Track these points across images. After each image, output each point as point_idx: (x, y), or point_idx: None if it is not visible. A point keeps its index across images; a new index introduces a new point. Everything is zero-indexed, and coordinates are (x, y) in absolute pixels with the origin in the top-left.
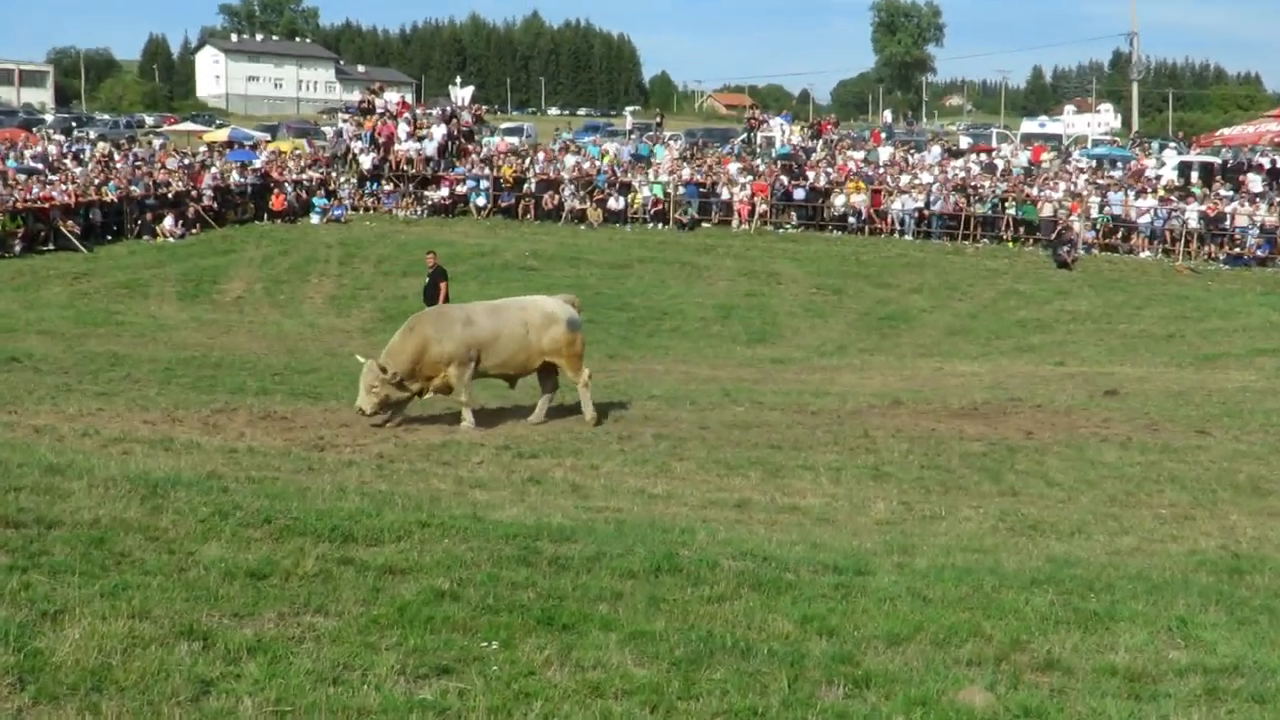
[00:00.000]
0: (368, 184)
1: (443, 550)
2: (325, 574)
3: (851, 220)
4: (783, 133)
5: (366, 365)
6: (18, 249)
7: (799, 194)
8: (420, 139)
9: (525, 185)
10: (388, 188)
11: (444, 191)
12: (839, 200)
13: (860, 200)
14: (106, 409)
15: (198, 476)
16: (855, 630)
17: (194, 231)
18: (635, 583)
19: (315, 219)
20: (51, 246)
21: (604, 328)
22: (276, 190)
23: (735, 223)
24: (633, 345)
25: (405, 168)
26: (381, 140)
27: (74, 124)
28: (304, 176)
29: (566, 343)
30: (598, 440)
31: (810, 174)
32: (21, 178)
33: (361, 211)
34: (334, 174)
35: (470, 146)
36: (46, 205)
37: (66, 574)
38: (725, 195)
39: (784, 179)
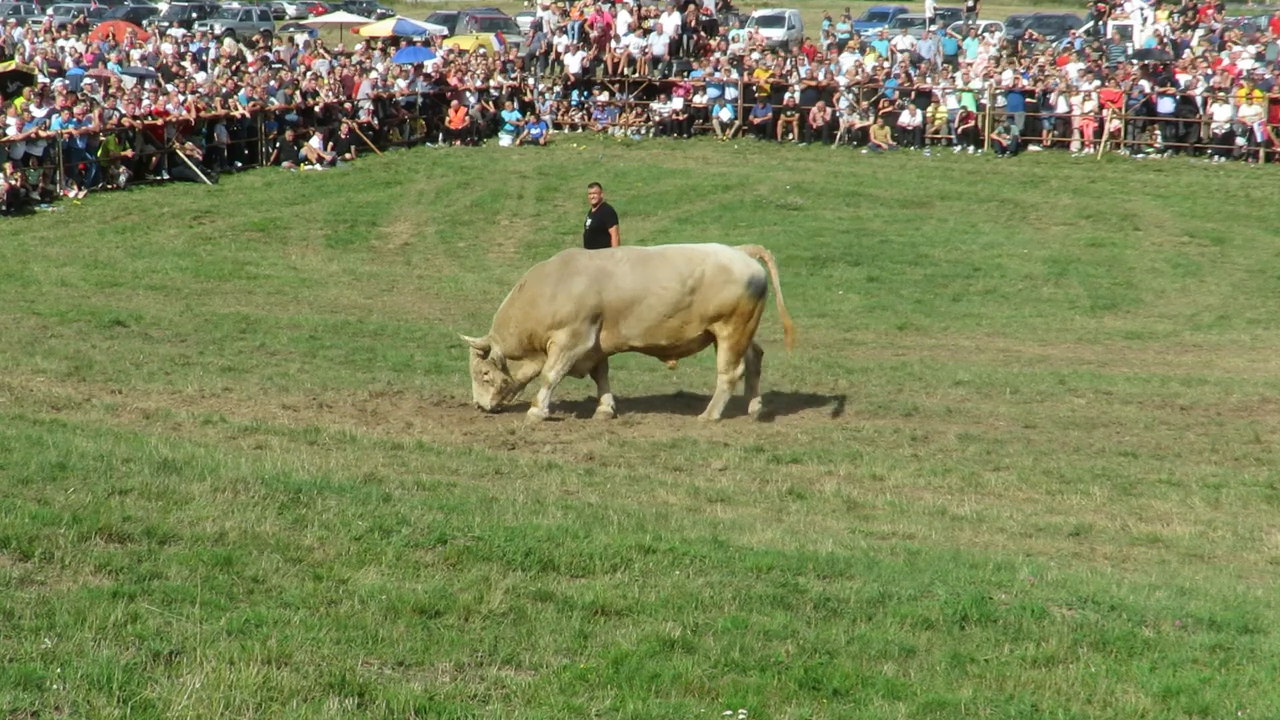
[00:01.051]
0: (575, 93)
1: (672, 585)
2: (517, 613)
3: (1240, 142)
4: (1143, 20)
5: (469, 346)
6: (123, 179)
7: (1165, 105)
8: (646, 33)
9: (786, 95)
10: (602, 98)
11: (677, 103)
12: (1222, 114)
13: (1252, 114)
14: (235, 389)
15: (352, 480)
16: (1239, 710)
17: (348, 157)
18: (933, 636)
19: (506, 140)
20: (166, 176)
21: (891, 289)
22: (456, 103)
23: (1076, 145)
24: (931, 312)
25: (625, 72)
26: (594, 35)
27: (194, 15)
28: (492, 84)
29: (742, 313)
30: (882, 441)
31: (1181, 78)
32: (128, 86)
33: (567, 130)
34: (531, 80)
35: (713, 43)
36: (159, 123)
37: (184, 604)
38: (1062, 107)
39: (1144, 85)
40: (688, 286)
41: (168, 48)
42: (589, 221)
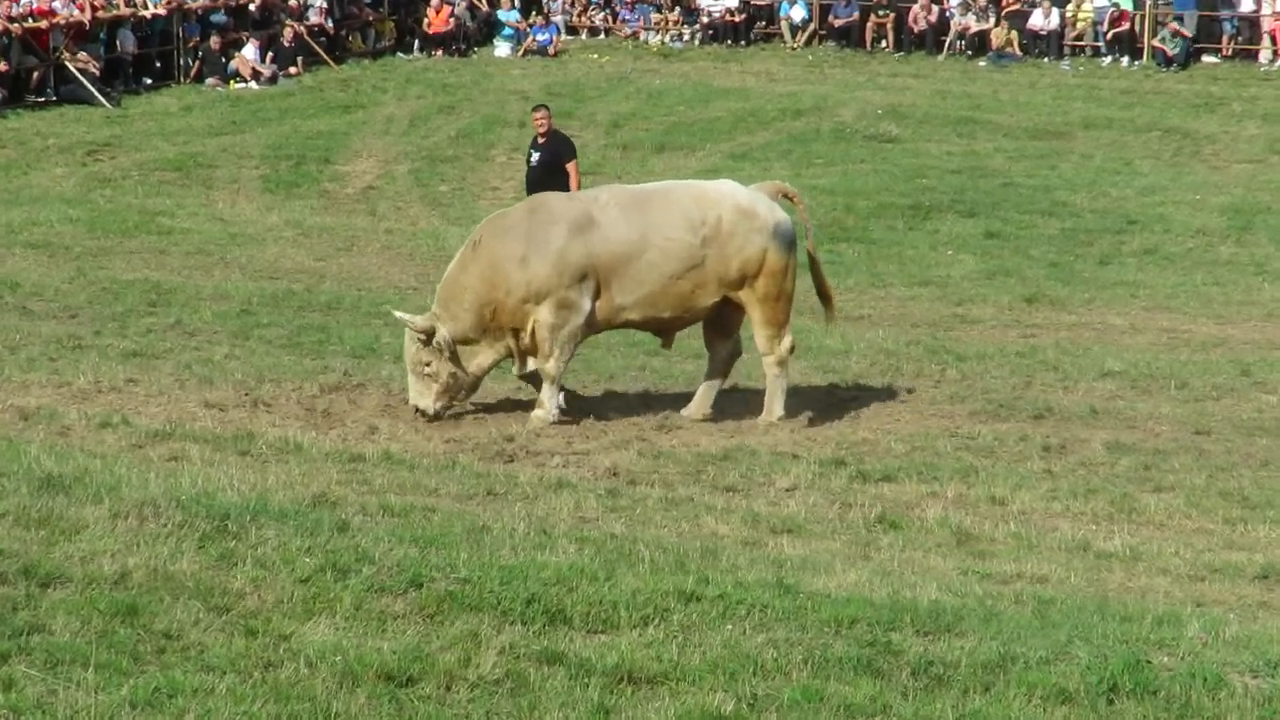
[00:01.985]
0: None
1: (722, 644)
2: (516, 680)
3: None
4: None
5: (405, 327)
6: None
7: None
8: None
9: None
10: None
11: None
12: None
13: None
14: (142, 381)
15: (297, 504)
16: None
17: (293, 71)
18: (1071, 712)
19: (503, 49)
20: (52, 97)
21: (1017, 248)
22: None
23: (1266, 55)
24: (1070, 278)
25: None
26: None
27: None
28: None
29: (771, 270)
30: (1004, 452)
31: None
32: None
33: (584, 36)
34: None
35: None
36: (43, 25)
37: (74, 666)
38: (1247, 5)
39: None
40: (699, 236)
41: None
42: (534, 157)
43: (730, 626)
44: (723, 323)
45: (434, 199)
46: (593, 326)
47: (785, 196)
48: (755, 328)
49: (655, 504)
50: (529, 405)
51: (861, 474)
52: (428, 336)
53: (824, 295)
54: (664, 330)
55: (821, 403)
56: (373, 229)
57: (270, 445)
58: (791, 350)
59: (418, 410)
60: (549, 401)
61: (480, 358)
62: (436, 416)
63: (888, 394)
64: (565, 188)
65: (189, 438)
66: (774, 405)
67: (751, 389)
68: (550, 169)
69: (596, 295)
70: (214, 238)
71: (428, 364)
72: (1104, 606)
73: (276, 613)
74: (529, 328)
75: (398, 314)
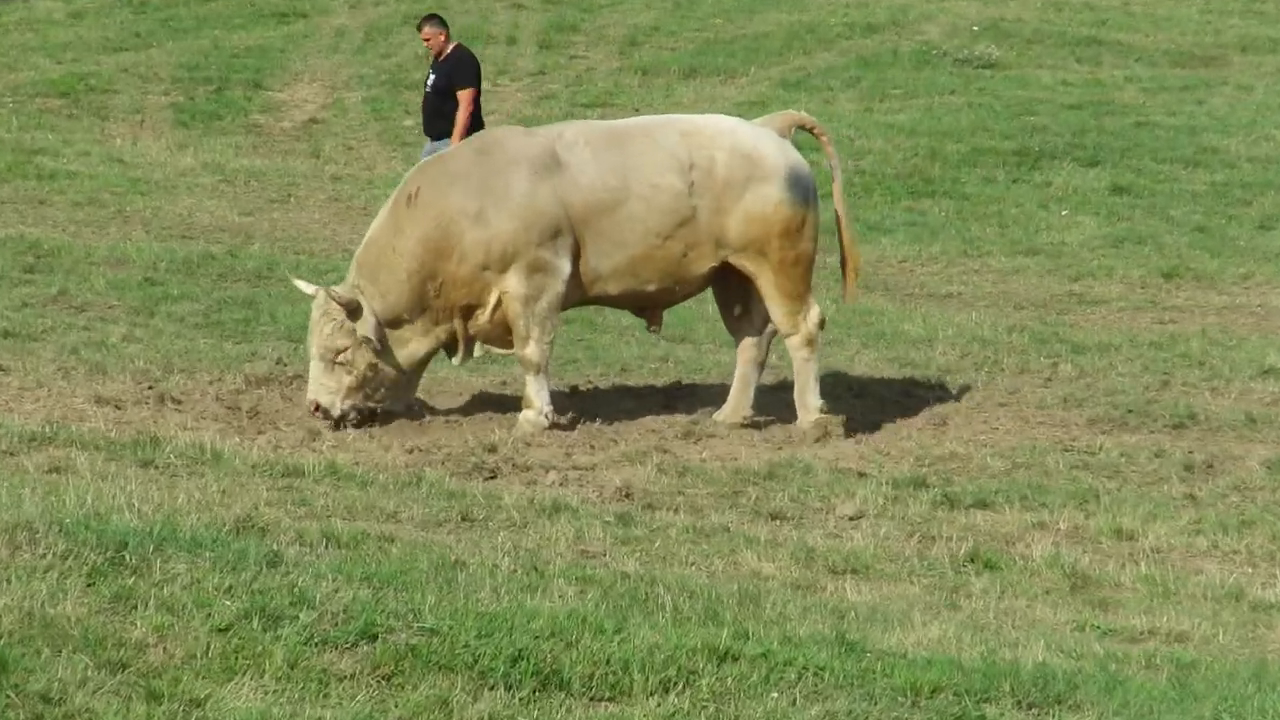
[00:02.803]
0: None
1: (765, 716)
2: None
3: None
4: None
5: (314, 301)
6: None
7: None
8: None
9: None
10: None
11: None
12: None
13: None
14: (13, 370)
15: (216, 530)
16: None
17: None
18: None
19: None
20: None
21: (1152, 206)
22: None
23: None
24: (1221, 248)
25: None
26: None
27: None
28: None
29: (783, 228)
30: (1133, 471)
31: None
32: None
33: None
34: None
35: None
36: None
37: None
38: None
39: None
40: (688, 182)
41: None
42: (430, 80)
43: (776, 695)
44: (737, 296)
45: (395, 136)
46: (568, 306)
47: (806, 131)
48: (770, 303)
49: (680, 535)
50: (516, 404)
51: (948, 498)
52: (350, 314)
53: (846, 261)
54: (648, 307)
55: (897, 405)
56: (316, 174)
57: (180, 454)
58: (822, 324)
59: (317, 408)
60: (538, 398)
61: (412, 346)
62: (342, 420)
63: (982, 395)
64: (452, 114)
65: (75, 443)
66: (808, 397)
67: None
68: (446, 96)
69: (575, 257)
70: (110, 184)
71: (342, 350)
72: (1261, 673)
73: (187, 671)
74: (489, 304)
75: (299, 283)
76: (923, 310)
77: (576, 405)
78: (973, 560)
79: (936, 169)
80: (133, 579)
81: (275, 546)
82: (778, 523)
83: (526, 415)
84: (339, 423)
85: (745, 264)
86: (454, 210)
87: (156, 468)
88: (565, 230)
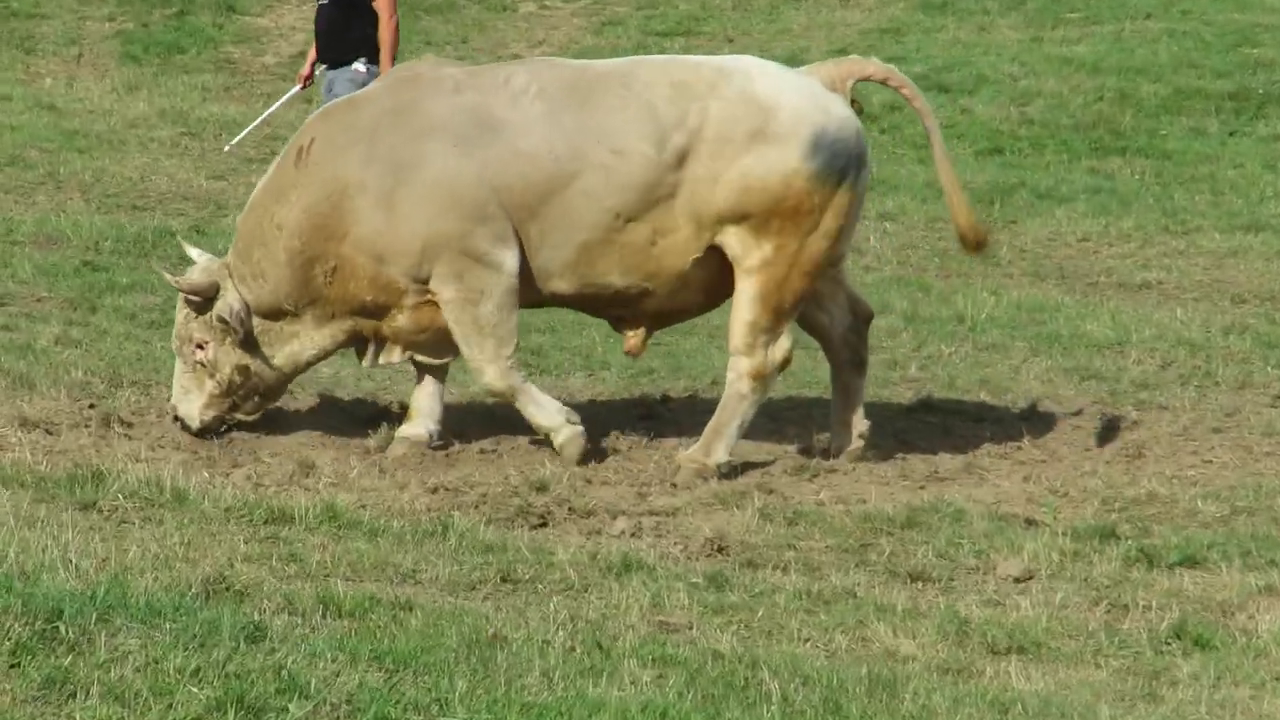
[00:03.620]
0: None
1: None
2: None
3: None
4: None
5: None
6: None
7: None
8: None
9: None
10: None
11: None
12: None
13: None
14: None
15: (178, 594)
16: None
17: None
18: None
19: None
20: None
21: None
22: None
23: None
24: None
25: None
26: None
27: None
28: None
29: (792, 202)
30: None
31: None
32: None
33: None
34: None
35: None
36: None
37: None
38: None
39: None
40: (669, 148)
41: None
42: None
43: None
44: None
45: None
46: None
47: (862, 81)
48: (737, 305)
49: (790, 601)
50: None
51: (1145, 554)
52: (202, 300)
53: (961, 228)
54: (624, 315)
55: (1077, 431)
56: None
57: (132, 493)
58: (785, 364)
59: (176, 418)
60: (547, 417)
61: (297, 343)
62: (205, 432)
63: (1190, 417)
64: (362, 40)
65: None
66: (717, 441)
67: (958, 405)
68: (346, 7)
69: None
70: (37, 137)
71: (199, 347)
72: None
73: None
74: (405, 304)
75: (165, 273)
76: (1110, 305)
77: (654, 428)
78: (1179, 636)
79: (1126, 119)
80: (70, 658)
81: (257, 616)
82: (919, 585)
83: (557, 442)
84: (202, 434)
85: (730, 244)
86: (347, 180)
87: (100, 512)
88: (498, 215)
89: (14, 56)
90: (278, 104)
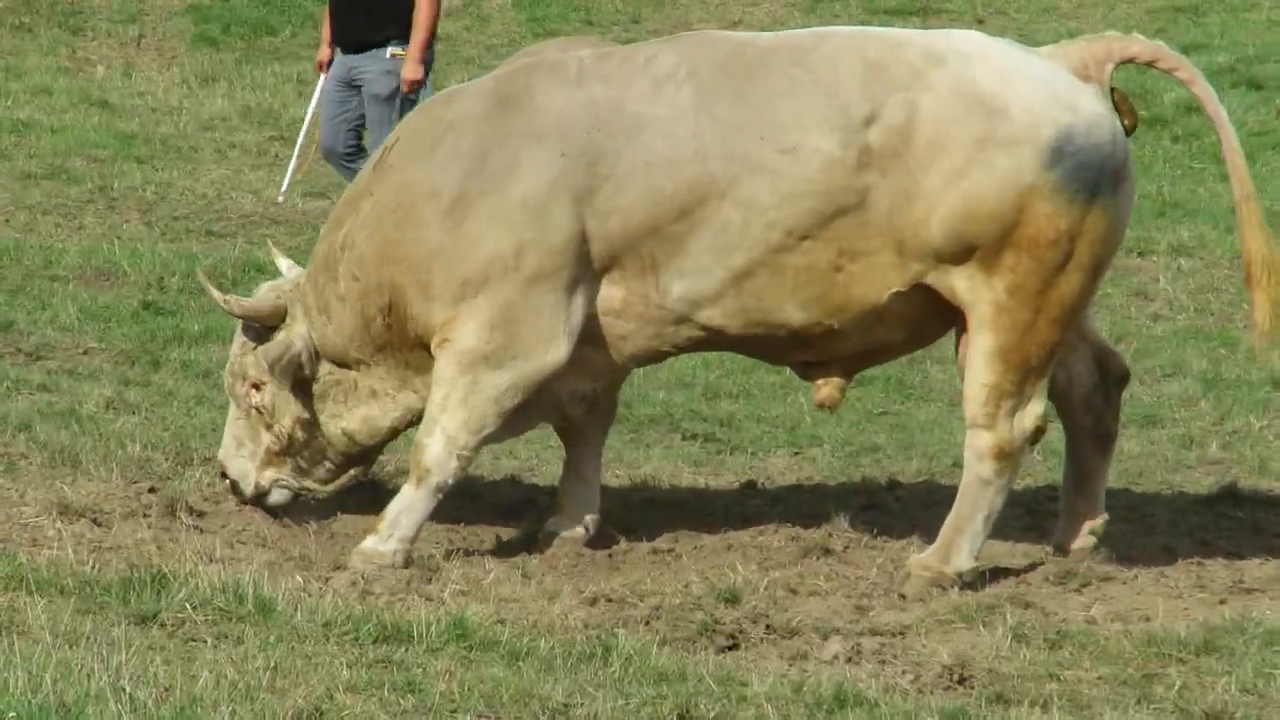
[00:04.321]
0: None
1: None
2: None
3: None
4: None
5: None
6: None
7: None
8: None
9: None
10: None
11: None
12: None
13: None
14: None
15: None
16: None
17: None
18: None
19: None
20: None
21: None
22: None
23: None
24: None
25: None
26: None
27: None
28: None
29: (1031, 229)
30: None
31: None
32: None
33: None
34: None
35: None
36: None
37: None
38: None
39: None
40: (858, 145)
41: None
42: None
43: None
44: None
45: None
46: (605, 342)
47: (1123, 62)
48: (971, 366)
49: None
50: (772, 514)
51: None
52: (254, 331)
53: (1253, 279)
54: (804, 357)
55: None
56: None
57: (203, 602)
58: (1038, 435)
59: (224, 476)
60: (398, 522)
61: (376, 405)
62: (261, 500)
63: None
64: (389, 8)
65: (26, 584)
66: (958, 540)
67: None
68: None
69: (610, 275)
70: (86, 142)
71: (255, 388)
72: None
73: None
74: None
75: (279, 258)
76: None
77: (878, 522)
78: None
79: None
80: None
81: None
82: None
83: (362, 544)
84: (258, 503)
85: (954, 287)
86: (418, 185)
87: (163, 626)
88: (593, 255)
89: (56, 37)
90: (312, 106)
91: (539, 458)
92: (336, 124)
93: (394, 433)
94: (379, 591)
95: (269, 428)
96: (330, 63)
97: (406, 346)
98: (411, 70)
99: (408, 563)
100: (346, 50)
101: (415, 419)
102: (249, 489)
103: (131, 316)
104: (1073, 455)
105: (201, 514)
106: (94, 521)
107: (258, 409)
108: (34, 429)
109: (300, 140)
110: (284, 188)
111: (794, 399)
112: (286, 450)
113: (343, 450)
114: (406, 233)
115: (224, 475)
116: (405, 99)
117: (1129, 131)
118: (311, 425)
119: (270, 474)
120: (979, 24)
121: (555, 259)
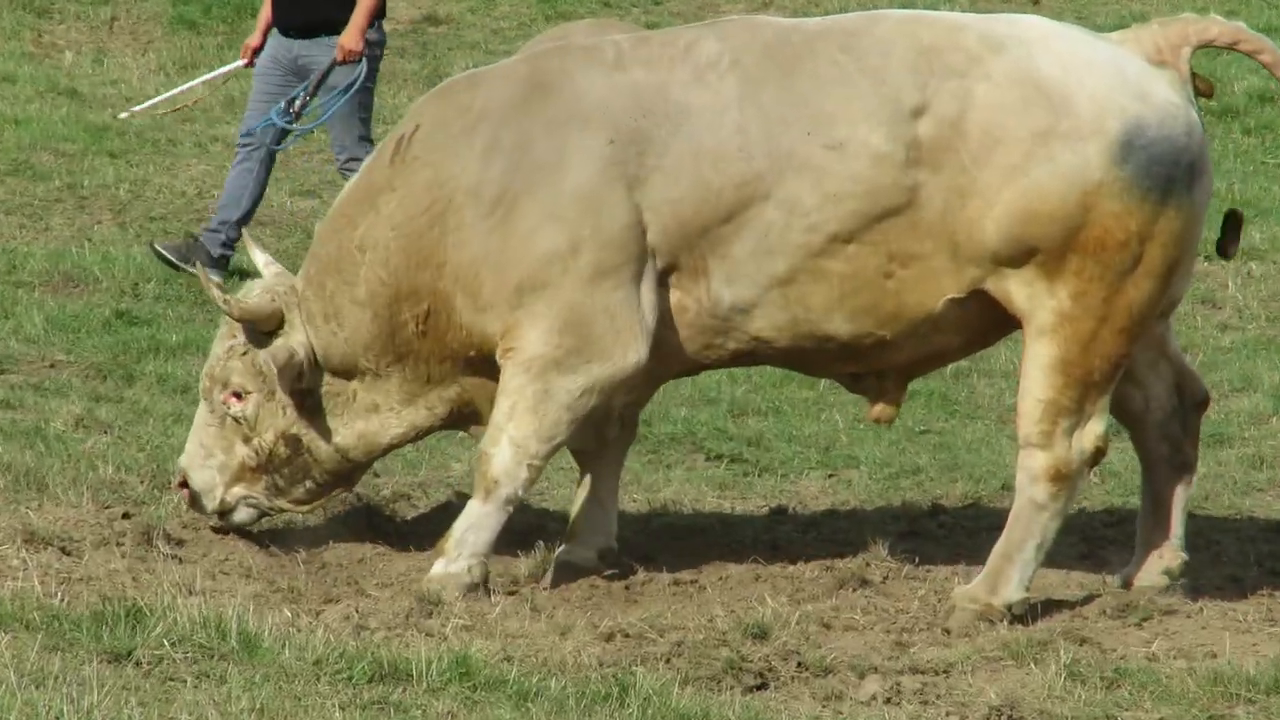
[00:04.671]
0: None
1: None
2: None
3: None
4: None
5: (220, 322)
6: None
7: None
8: None
9: None
10: None
11: None
12: None
13: None
14: None
15: None
16: None
17: None
18: None
19: None
20: None
21: None
22: None
23: None
24: None
25: None
26: None
27: None
28: None
29: (1099, 229)
30: None
31: None
32: None
33: None
34: None
35: None
36: None
37: None
38: None
39: None
40: (910, 141)
41: None
42: None
43: None
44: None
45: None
46: (656, 353)
47: (1229, 50)
48: (1030, 378)
49: None
50: (811, 543)
51: None
52: (255, 335)
53: None
54: (854, 369)
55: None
56: None
57: (182, 639)
58: (1099, 456)
59: (183, 484)
60: (468, 540)
61: (377, 419)
62: (222, 516)
63: None
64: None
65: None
66: (1008, 570)
67: None
68: None
69: (676, 279)
70: (54, 135)
71: (236, 396)
72: None
73: None
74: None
75: (254, 250)
76: None
77: (920, 550)
78: None
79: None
80: None
81: None
82: None
83: (442, 572)
84: (219, 518)
85: (1012, 294)
86: (456, 182)
87: (138, 664)
88: (653, 250)
89: (20, 20)
90: (209, 76)
91: (549, 480)
92: (267, 109)
93: (391, 447)
94: (374, 627)
95: (247, 440)
96: (257, 49)
97: (436, 358)
98: (352, 39)
99: (485, 580)
100: (292, 35)
101: (417, 436)
102: (212, 504)
103: (103, 326)
104: (1148, 484)
105: (180, 542)
106: (63, 550)
107: (236, 419)
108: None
109: (185, 86)
110: (134, 109)
111: (828, 416)
112: (263, 466)
113: (331, 469)
114: (446, 235)
115: (183, 485)
116: (339, 71)
117: (1229, 251)
118: (297, 441)
119: (239, 490)
120: (1034, 4)
121: (616, 253)
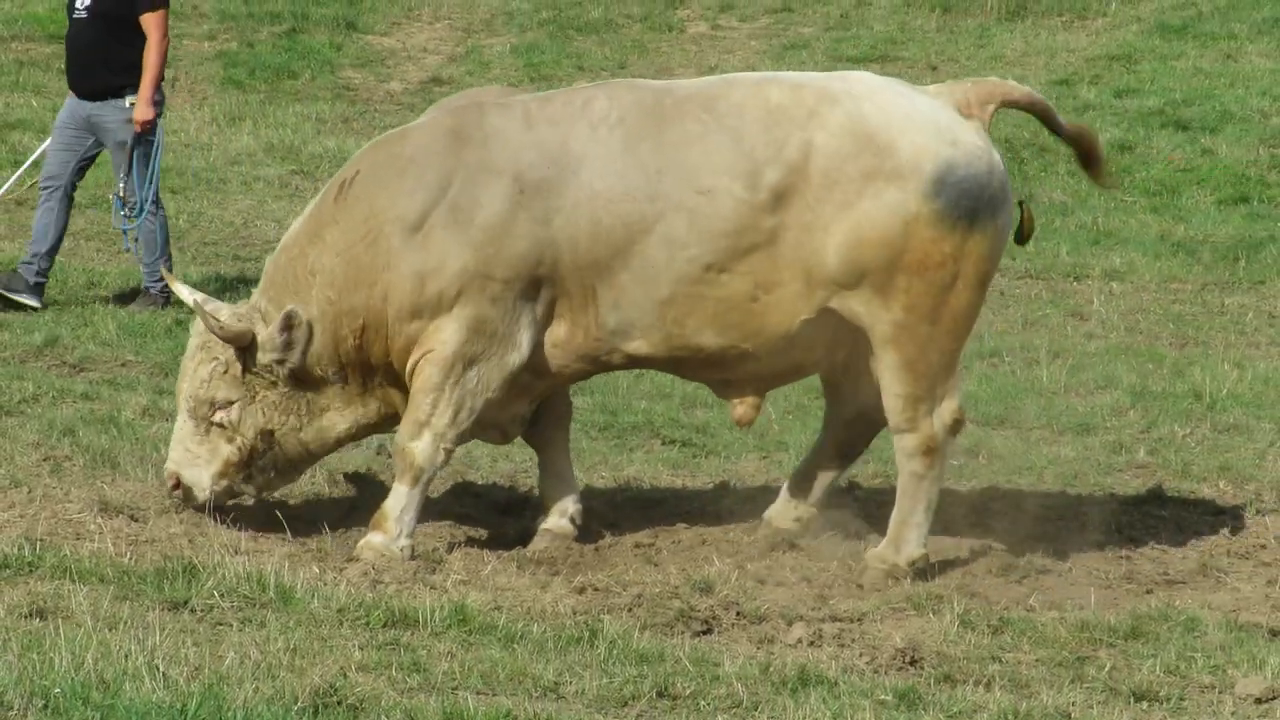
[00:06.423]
0: None
1: None
2: None
3: None
4: None
5: (194, 322)
6: None
7: None
8: None
9: None
10: None
11: None
12: None
13: None
14: None
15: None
16: None
17: None
18: None
19: None
20: None
21: None
22: None
23: None
24: None
25: None
26: None
27: None
28: None
29: (918, 255)
30: None
31: None
32: None
33: None
34: None
35: None
36: None
37: None
38: None
39: None
40: (765, 187)
41: None
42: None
43: None
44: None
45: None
46: (545, 369)
47: (1002, 104)
48: (885, 380)
49: None
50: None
51: None
52: (238, 351)
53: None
54: (721, 376)
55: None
56: None
57: (229, 590)
58: (956, 427)
59: (176, 485)
60: (400, 518)
61: (327, 418)
62: (204, 508)
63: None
64: (127, 59)
65: (69, 573)
66: (905, 533)
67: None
68: (111, 24)
69: (558, 308)
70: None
71: (220, 405)
72: None
73: None
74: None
75: (178, 286)
76: None
77: (837, 520)
78: None
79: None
80: None
81: None
82: (1145, 706)
83: (371, 540)
84: (206, 508)
85: (855, 310)
86: (385, 213)
87: (193, 611)
88: (545, 280)
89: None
90: (43, 147)
91: (533, 460)
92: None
93: (340, 445)
94: (388, 581)
95: (230, 441)
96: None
97: (370, 366)
98: (142, 112)
99: (414, 554)
100: (84, 97)
101: (359, 433)
102: (203, 495)
103: (165, 332)
104: (817, 454)
105: (229, 511)
106: (131, 517)
107: (221, 425)
108: (77, 434)
109: (32, 157)
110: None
111: (763, 409)
112: (245, 461)
113: (294, 459)
114: (378, 258)
115: (176, 485)
116: (140, 139)
117: (1025, 238)
118: (271, 435)
119: (224, 483)
120: (932, 70)
121: (515, 274)
